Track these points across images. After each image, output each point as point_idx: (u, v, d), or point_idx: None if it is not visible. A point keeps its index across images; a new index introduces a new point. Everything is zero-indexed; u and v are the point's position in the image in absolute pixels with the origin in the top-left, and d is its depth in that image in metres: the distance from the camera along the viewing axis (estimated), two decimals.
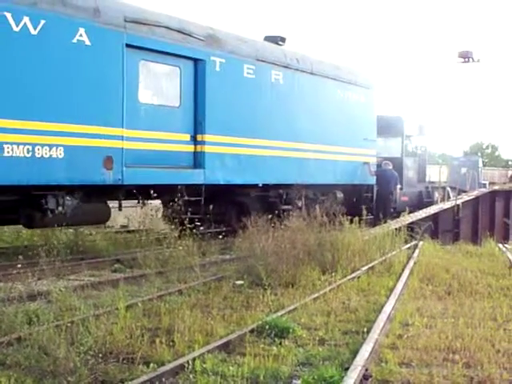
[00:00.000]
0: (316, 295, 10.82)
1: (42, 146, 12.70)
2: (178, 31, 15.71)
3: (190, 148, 16.18)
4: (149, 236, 15.67)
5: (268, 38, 20.00)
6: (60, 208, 13.61)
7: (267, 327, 8.36)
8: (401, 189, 25.49)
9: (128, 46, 14.37)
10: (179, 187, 15.37)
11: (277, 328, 8.40)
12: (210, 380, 6.52)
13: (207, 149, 16.29)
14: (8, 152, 12.15)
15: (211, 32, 16.89)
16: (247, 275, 11.96)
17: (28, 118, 12.58)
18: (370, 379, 6.63)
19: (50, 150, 12.84)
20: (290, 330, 8.43)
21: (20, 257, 11.32)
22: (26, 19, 12.43)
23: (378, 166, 23.87)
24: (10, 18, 12.22)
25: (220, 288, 11.19)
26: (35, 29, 12.61)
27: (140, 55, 14.83)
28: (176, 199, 14.89)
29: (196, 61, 16.26)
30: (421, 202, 27.96)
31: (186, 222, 14.77)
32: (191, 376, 6.66)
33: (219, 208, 17.45)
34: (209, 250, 15.56)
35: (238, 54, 17.43)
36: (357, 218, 15.89)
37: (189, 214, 15.37)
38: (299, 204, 19.03)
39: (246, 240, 13.38)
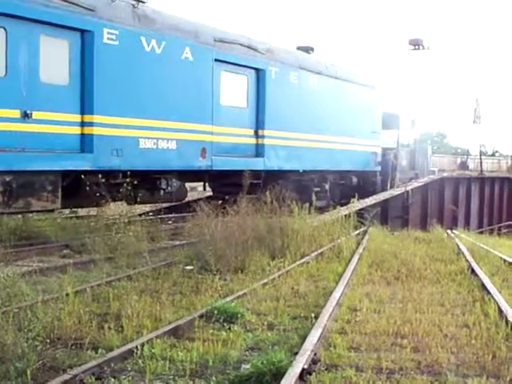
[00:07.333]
0: (265, 280, 10.86)
1: (163, 139, 16.09)
2: (248, 47, 19.36)
3: (253, 141, 19.78)
4: (98, 222, 15.58)
5: (300, 48, 23.96)
6: (169, 188, 17.12)
7: (216, 312, 8.39)
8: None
9: (215, 60, 17.90)
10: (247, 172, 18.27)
11: (226, 313, 8.42)
12: (158, 365, 6.52)
13: (266, 141, 19.93)
14: (142, 145, 15.49)
15: (269, 46, 20.54)
16: (197, 260, 11.99)
17: (155, 117, 15.88)
18: (318, 364, 6.67)
19: (167, 143, 16.22)
20: (239, 315, 8.46)
21: None
22: (153, 41, 15.79)
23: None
24: (143, 41, 15.52)
25: (169, 273, 11.17)
26: (159, 48, 15.92)
27: (222, 67, 18.33)
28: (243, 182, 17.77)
29: (258, 70, 19.90)
30: None
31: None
32: (140, 361, 6.65)
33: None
34: (159, 235, 15.61)
35: (286, 63, 21.12)
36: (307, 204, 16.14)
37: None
38: (326, 187, 23.55)
39: (196, 225, 13.37)
